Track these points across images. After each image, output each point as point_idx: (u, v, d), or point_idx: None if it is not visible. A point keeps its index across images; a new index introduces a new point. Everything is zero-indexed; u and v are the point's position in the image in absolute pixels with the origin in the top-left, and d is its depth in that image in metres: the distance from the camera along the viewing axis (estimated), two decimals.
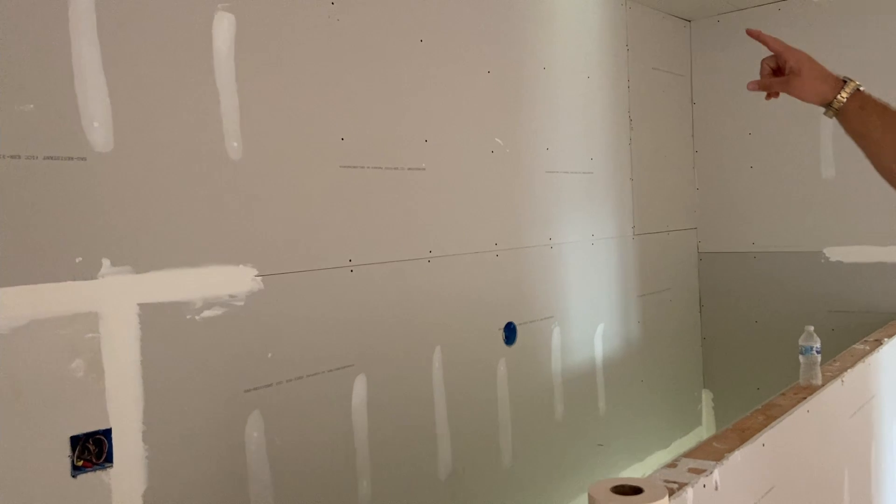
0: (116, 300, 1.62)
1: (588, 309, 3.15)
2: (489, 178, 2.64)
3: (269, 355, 1.93)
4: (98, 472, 1.60)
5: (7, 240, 1.46)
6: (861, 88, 1.31)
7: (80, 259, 1.57)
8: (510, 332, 2.74)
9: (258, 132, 1.91)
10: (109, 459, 1.61)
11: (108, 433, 1.61)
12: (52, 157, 1.53)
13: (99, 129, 1.60)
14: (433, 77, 2.42)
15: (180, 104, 1.75)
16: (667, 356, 3.70)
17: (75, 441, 1.57)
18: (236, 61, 1.86)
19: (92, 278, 1.59)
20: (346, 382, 2.14)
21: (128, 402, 1.64)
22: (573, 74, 3.06)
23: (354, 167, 2.16)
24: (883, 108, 1.29)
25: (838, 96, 1.31)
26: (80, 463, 1.58)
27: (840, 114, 1.32)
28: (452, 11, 2.49)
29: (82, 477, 1.57)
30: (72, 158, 1.56)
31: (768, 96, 1.41)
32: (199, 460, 1.78)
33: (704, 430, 3.98)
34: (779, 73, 1.37)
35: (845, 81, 1.32)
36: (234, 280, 1.86)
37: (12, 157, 1.47)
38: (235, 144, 1.86)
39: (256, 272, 1.91)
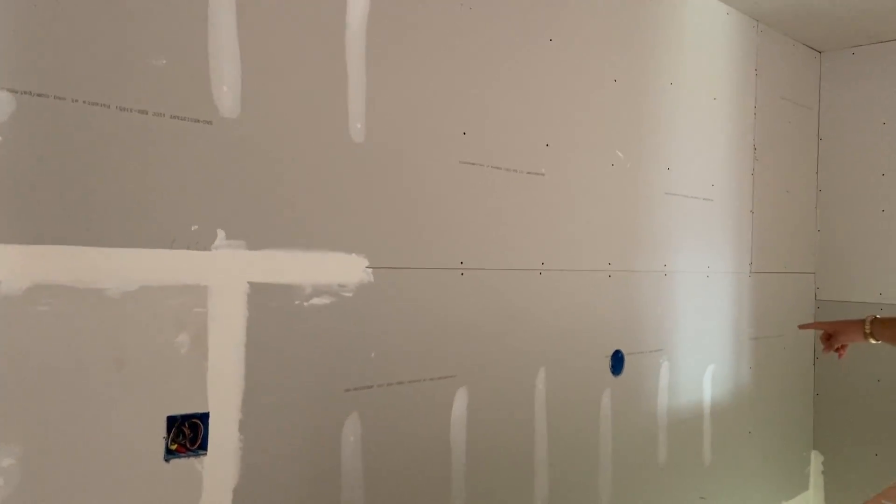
0: (228, 275, 1.52)
1: (699, 346, 2.90)
2: (608, 192, 2.47)
3: (373, 355, 1.80)
4: (191, 459, 1.48)
5: (126, 198, 1.38)
6: (877, 316, 1.92)
7: (196, 227, 1.48)
8: (617, 362, 2.52)
9: (383, 116, 1.81)
10: (204, 446, 1.50)
11: (205, 418, 1.50)
12: (178, 117, 1.45)
13: (227, 93, 1.52)
14: (560, 79, 2.28)
15: (309, 77, 1.66)
16: (777, 408, 3.39)
17: (172, 422, 1.46)
18: (367, 39, 1.77)
19: (206, 249, 1.49)
20: (447, 394, 1.98)
21: (229, 386, 1.53)
22: (699, 94, 2.88)
23: (474, 164, 2.03)
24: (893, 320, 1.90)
25: (865, 329, 1.91)
26: (174, 447, 1.46)
27: (874, 336, 1.91)
28: (584, 13, 2.36)
29: (175, 462, 1.46)
30: (198, 121, 1.48)
31: (840, 356, 2.04)
32: (293, 458, 1.64)
33: (811, 497, 3.61)
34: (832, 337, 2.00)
35: (864, 320, 1.92)
36: (345, 269, 1.74)
37: (140, 111, 1.40)
38: (359, 126, 1.76)
39: (367, 263, 1.78)
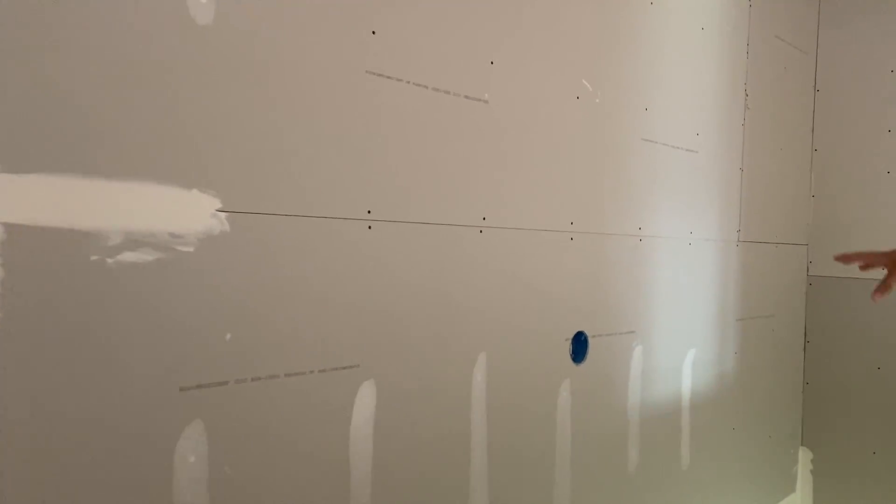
0: None
1: (679, 328, 2.40)
2: (570, 132, 1.94)
3: (228, 337, 1.25)
4: None
5: None
6: None
7: None
8: (580, 346, 2.01)
9: None
10: None
11: None
12: None
13: None
14: None
15: None
16: (764, 401, 2.92)
17: None
18: None
19: None
20: (346, 391, 1.44)
21: None
22: (685, 20, 2.35)
23: (388, 77, 1.48)
24: None
25: None
26: None
27: None
28: None
29: None
30: None
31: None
32: (87, 490, 1.09)
33: (799, 500, 3.17)
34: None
35: None
36: (181, 211, 1.18)
37: None
38: (204, 1, 1.19)
39: (219, 205, 1.23)
